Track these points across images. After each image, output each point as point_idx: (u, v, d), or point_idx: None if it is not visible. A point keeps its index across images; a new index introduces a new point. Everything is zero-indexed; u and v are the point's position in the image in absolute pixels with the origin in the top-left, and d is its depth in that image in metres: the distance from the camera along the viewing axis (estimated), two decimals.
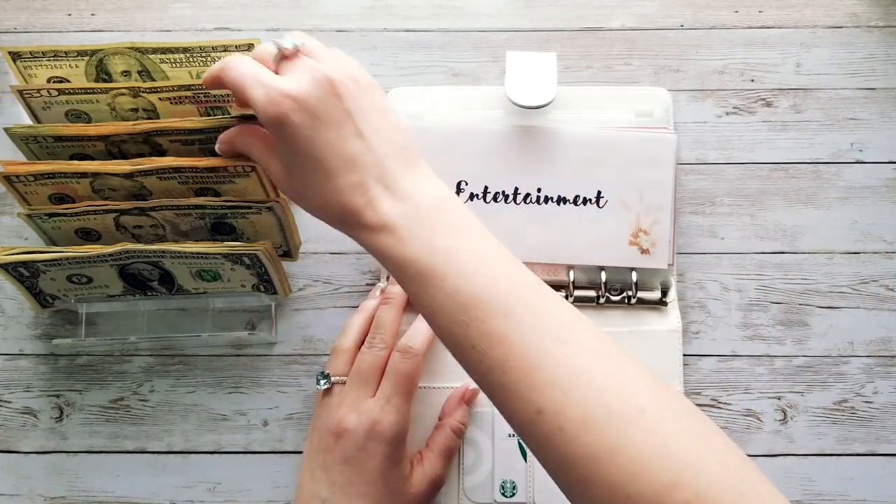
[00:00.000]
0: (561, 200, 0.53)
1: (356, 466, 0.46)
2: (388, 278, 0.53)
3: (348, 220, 0.41)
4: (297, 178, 0.41)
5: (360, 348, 0.50)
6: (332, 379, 0.49)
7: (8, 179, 0.51)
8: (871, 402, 0.53)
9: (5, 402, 0.55)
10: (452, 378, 0.52)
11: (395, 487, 0.46)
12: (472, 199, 0.53)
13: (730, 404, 0.53)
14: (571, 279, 0.53)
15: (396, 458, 0.47)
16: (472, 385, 0.51)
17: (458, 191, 0.53)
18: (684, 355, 0.53)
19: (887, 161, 0.56)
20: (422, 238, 0.38)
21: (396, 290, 0.51)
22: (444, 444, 0.50)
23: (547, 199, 0.53)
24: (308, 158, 0.40)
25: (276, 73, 0.41)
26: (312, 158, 0.40)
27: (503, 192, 0.53)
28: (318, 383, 0.49)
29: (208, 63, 0.53)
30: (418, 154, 0.41)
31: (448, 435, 0.50)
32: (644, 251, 0.52)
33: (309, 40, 0.42)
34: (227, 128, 0.51)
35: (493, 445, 0.51)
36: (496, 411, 0.51)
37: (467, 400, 0.51)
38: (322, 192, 0.40)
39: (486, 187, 0.53)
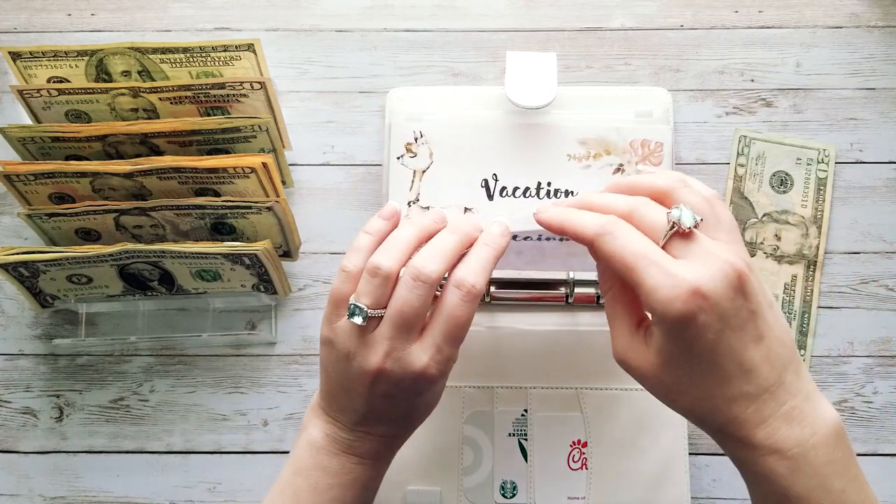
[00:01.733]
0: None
1: (399, 398, 0.40)
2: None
3: (729, 432, 0.36)
4: (676, 377, 0.36)
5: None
6: (370, 313, 0.39)
7: (8, 179, 0.51)
8: (871, 403, 0.53)
9: (5, 402, 0.55)
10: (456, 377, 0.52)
11: (432, 402, 0.43)
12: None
13: None
14: (571, 278, 0.53)
15: (440, 387, 0.42)
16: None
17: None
18: None
19: (887, 161, 0.56)
20: (816, 474, 0.34)
21: (465, 226, 0.42)
22: (449, 326, 0.40)
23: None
24: (702, 362, 0.35)
25: (665, 250, 0.35)
26: (707, 363, 0.35)
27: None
28: (351, 317, 0.39)
29: (208, 63, 0.53)
30: (798, 354, 0.37)
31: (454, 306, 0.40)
32: None
33: (705, 205, 0.37)
34: (226, 131, 0.52)
35: (493, 445, 0.51)
36: (496, 410, 0.52)
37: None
38: (707, 397, 0.35)
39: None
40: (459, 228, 0.42)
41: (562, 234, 0.39)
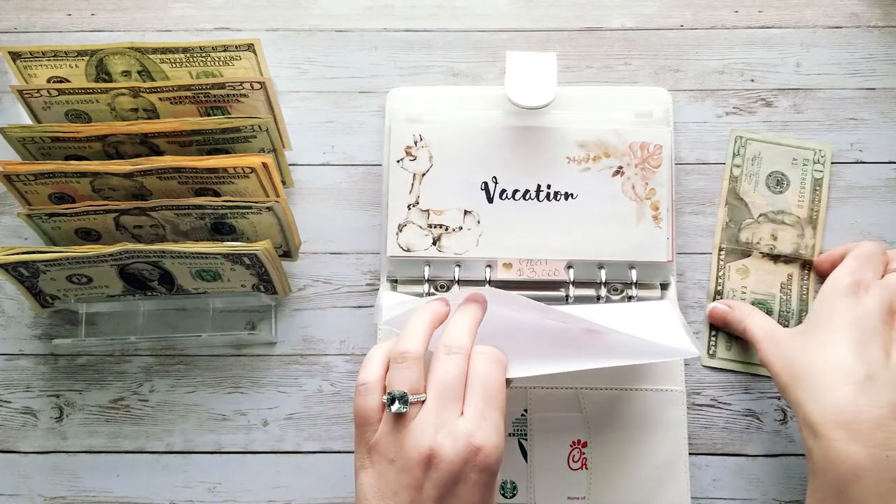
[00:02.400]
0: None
1: (453, 500, 0.37)
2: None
3: (824, 399, 0.43)
4: (811, 334, 0.46)
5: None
6: (412, 398, 0.38)
7: (8, 179, 0.51)
8: None
9: (5, 402, 0.55)
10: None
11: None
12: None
13: (730, 404, 0.53)
14: (571, 279, 0.53)
15: (495, 483, 0.39)
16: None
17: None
18: None
19: (887, 161, 0.56)
20: (879, 482, 0.40)
21: (475, 297, 0.44)
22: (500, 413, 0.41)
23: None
24: (840, 329, 0.44)
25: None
26: (845, 331, 0.44)
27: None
28: (390, 407, 0.38)
29: (208, 63, 0.53)
30: None
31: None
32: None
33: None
34: (226, 131, 0.52)
35: None
36: None
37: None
38: (823, 360, 0.44)
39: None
40: (471, 301, 0.43)
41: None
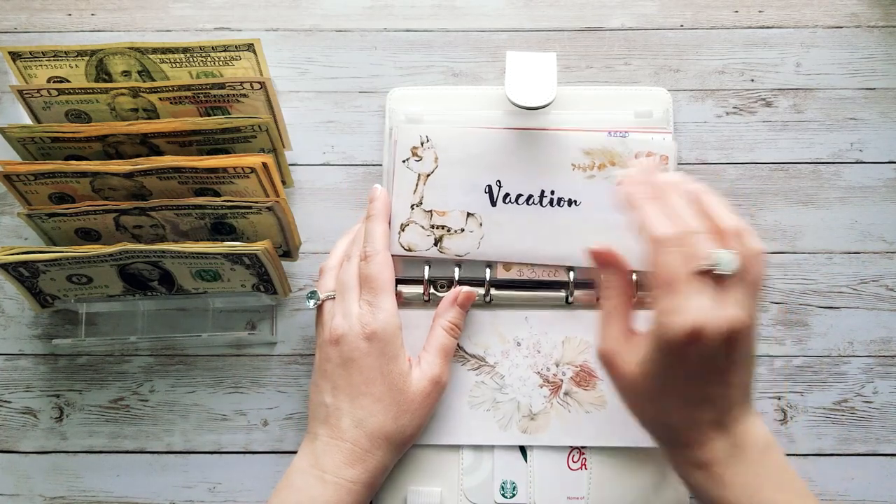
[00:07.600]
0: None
1: (354, 367, 0.47)
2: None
3: (672, 442, 0.42)
4: (652, 390, 0.41)
5: None
6: (321, 296, 0.51)
7: (8, 179, 0.51)
8: (871, 402, 0.53)
9: (5, 402, 0.55)
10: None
11: (396, 383, 0.48)
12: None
13: None
14: (571, 279, 0.53)
15: (392, 354, 0.48)
16: (465, 288, 0.52)
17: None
18: None
19: (887, 161, 0.56)
20: (747, 485, 0.39)
21: (378, 204, 0.52)
22: (438, 343, 0.50)
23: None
24: (676, 382, 0.40)
25: (694, 277, 0.39)
26: (681, 385, 0.40)
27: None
28: (307, 303, 0.51)
29: (208, 63, 0.53)
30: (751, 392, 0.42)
31: (440, 334, 0.51)
32: None
33: (746, 261, 0.39)
34: (226, 131, 0.52)
35: (494, 445, 0.51)
36: None
37: (460, 302, 0.51)
38: (669, 413, 0.41)
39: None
40: (375, 215, 0.52)
41: (630, 211, 0.42)
